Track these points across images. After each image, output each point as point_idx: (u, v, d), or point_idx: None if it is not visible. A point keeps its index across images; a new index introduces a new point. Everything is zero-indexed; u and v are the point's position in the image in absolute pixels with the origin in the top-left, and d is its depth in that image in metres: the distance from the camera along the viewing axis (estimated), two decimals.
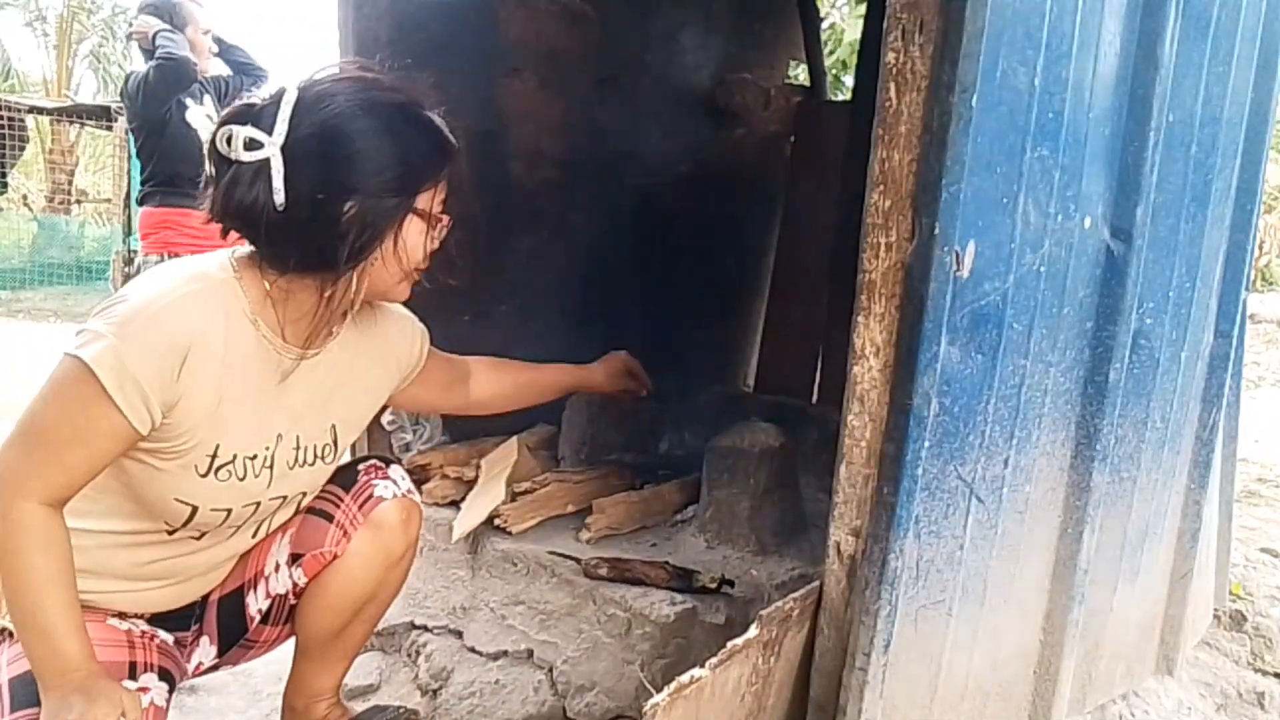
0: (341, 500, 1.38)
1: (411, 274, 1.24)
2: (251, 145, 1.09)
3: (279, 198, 1.09)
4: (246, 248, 1.20)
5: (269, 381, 1.22)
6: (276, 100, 1.12)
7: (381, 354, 1.40)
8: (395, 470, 1.45)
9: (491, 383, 1.68)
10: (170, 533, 1.24)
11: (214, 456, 1.18)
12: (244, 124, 1.11)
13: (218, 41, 3.47)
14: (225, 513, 1.24)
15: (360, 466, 1.43)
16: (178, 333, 1.09)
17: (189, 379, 1.11)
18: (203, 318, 1.12)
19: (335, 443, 1.35)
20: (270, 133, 1.09)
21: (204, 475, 1.18)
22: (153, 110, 3.20)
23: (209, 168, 1.15)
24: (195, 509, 1.20)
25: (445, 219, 1.24)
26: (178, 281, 1.14)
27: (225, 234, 1.18)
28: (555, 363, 1.83)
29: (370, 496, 1.39)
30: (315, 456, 1.32)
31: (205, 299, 1.14)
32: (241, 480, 1.22)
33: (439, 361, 1.55)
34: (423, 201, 1.18)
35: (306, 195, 1.10)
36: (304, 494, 1.35)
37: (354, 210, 1.12)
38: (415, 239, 1.20)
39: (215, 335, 1.14)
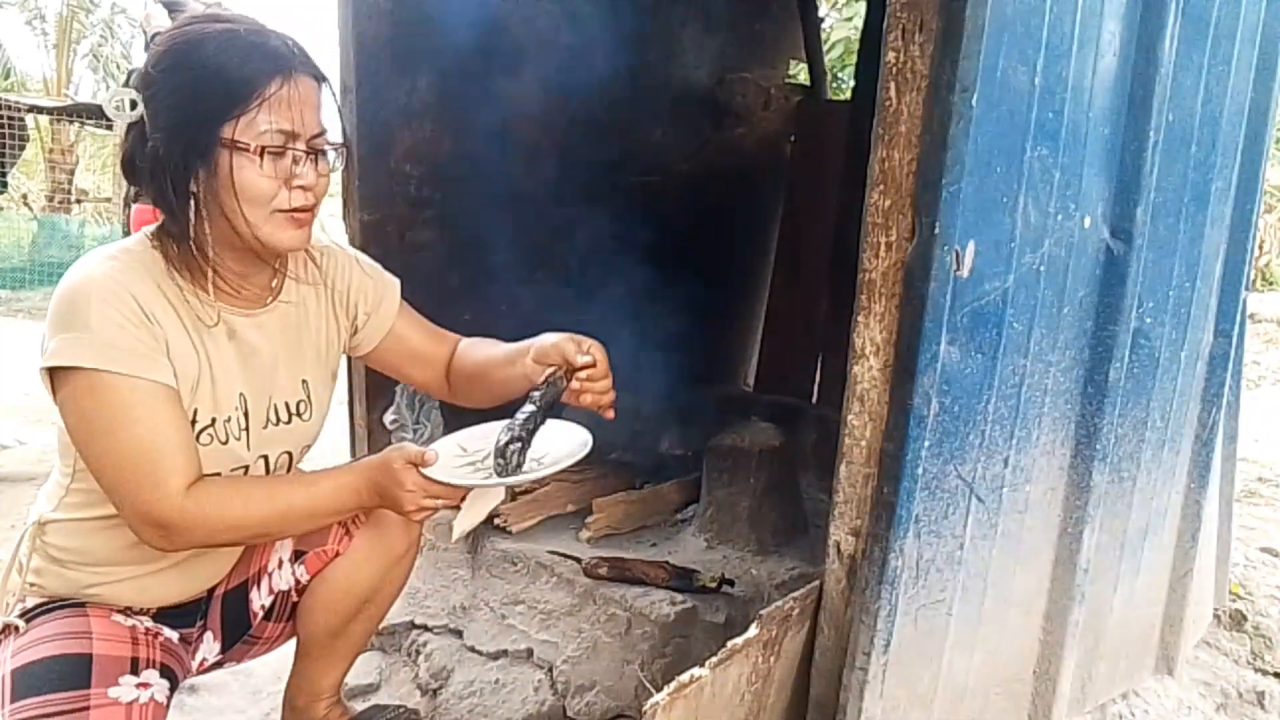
0: None
1: (271, 215, 1.15)
2: (133, 105, 1.13)
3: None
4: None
5: (218, 339, 1.21)
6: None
7: (335, 303, 1.38)
8: None
9: (462, 361, 1.48)
10: None
11: (194, 423, 1.18)
12: (127, 85, 1.14)
13: None
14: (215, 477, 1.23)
15: None
16: (122, 295, 1.09)
17: (159, 328, 1.12)
18: (135, 282, 1.12)
19: (309, 398, 1.33)
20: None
21: None
22: None
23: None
24: None
25: (287, 149, 1.13)
26: (98, 261, 1.14)
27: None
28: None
29: None
30: (290, 414, 1.30)
31: (129, 268, 1.13)
32: (225, 444, 1.21)
33: (421, 332, 1.47)
34: (229, 132, 1.10)
35: (150, 145, 1.12)
36: (289, 454, 1.33)
37: (156, 149, 1.11)
38: (249, 175, 1.11)
39: (155, 296, 1.14)
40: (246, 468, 1.26)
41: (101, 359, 1.05)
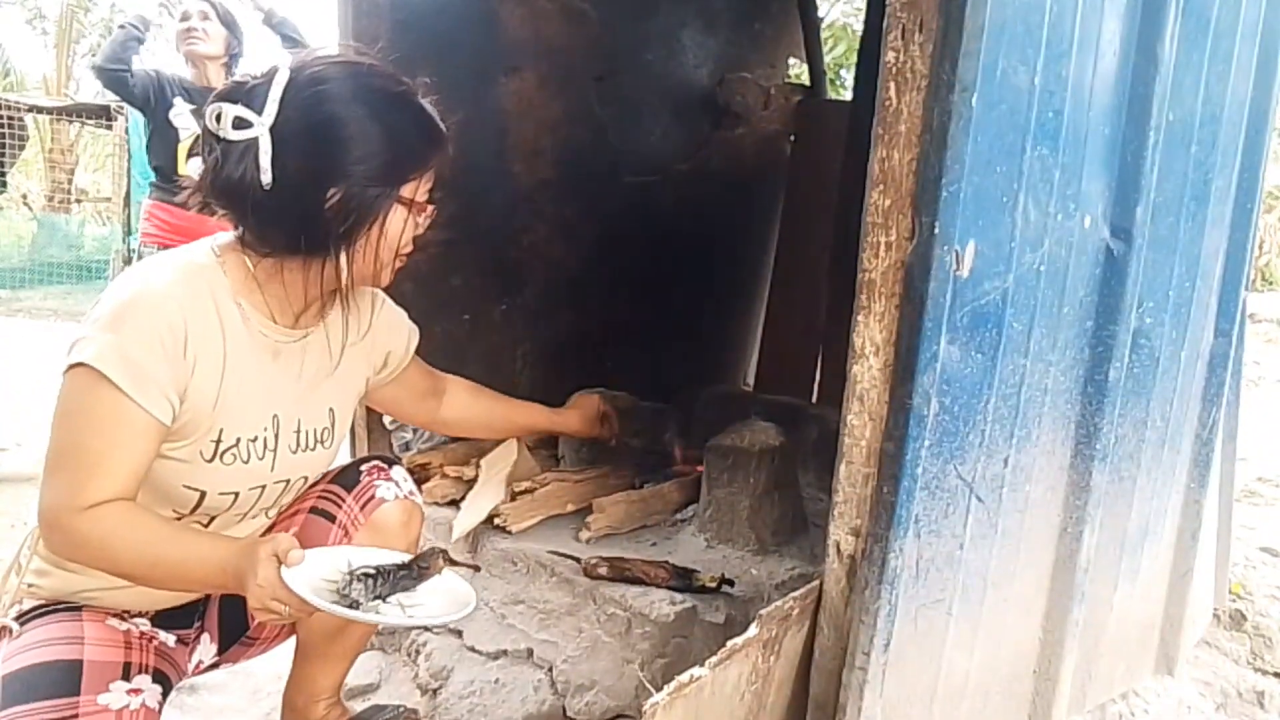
0: (344, 500, 1.38)
1: (394, 261, 1.24)
2: (240, 124, 1.09)
3: (265, 178, 1.09)
4: (228, 235, 1.21)
5: (262, 362, 1.22)
6: (268, 80, 1.11)
7: (370, 341, 1.42)
8: (397, 471, 1.45)
9: (464, 406, 1.69)
10: (178, 518, 1.24)
11: (218, 442, 1.19)
12: (235, 102, 1.10)
13: (269, 15, 3.38)
14: (233, 496, 1.24)
15: (363, 467, 1.43)
16: (171, 313, 1.10)
17: (194, 355, 1.12)
18: (191, 299, 1.13)
19: (333, 426, 1.35)
20: (260, 112, 1.09)
21: (210, 461, 1.19)
22: (110, 80, 3.19)
23: (202, 144, 1.16)
24: (203, 494, 1.21)
25: (430, 209, 1.24)
26: (159, 270, 1.14)
27: (202, 209, 1.18)
28: (526, 399, 1.87)
29: (372, 498, 1.39)
30: (315, 441, 1.32)
31: (189, 282, 1.14)
32: (246, 463, 1.22)
33: (421, 369, 1.57)
34: (408, 191, 1.18)
35: (293, 178, 1.10)
36: (305, 478, 1.36)
37: (338, 197, 1.12)
38: (398, 227, 1.19)
39: (207, 314, 1.14)
40: (264, 487, 1.27)
41: (108, 365, 1.05)
